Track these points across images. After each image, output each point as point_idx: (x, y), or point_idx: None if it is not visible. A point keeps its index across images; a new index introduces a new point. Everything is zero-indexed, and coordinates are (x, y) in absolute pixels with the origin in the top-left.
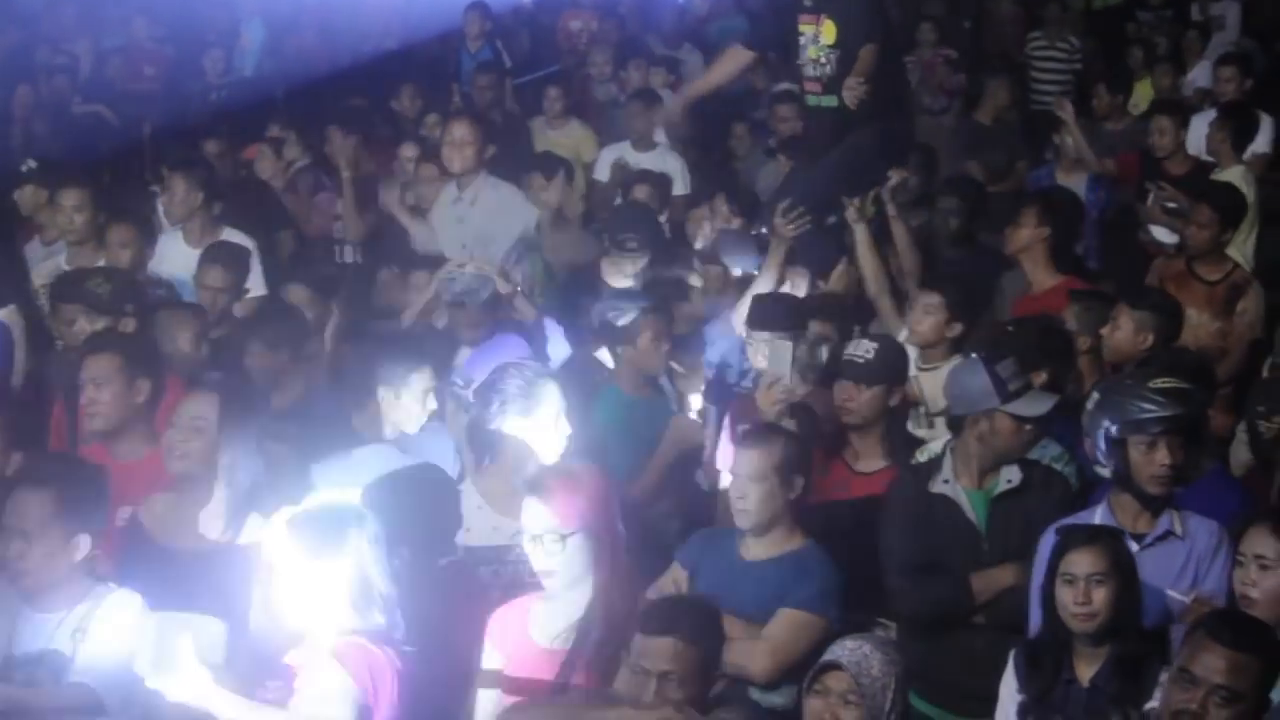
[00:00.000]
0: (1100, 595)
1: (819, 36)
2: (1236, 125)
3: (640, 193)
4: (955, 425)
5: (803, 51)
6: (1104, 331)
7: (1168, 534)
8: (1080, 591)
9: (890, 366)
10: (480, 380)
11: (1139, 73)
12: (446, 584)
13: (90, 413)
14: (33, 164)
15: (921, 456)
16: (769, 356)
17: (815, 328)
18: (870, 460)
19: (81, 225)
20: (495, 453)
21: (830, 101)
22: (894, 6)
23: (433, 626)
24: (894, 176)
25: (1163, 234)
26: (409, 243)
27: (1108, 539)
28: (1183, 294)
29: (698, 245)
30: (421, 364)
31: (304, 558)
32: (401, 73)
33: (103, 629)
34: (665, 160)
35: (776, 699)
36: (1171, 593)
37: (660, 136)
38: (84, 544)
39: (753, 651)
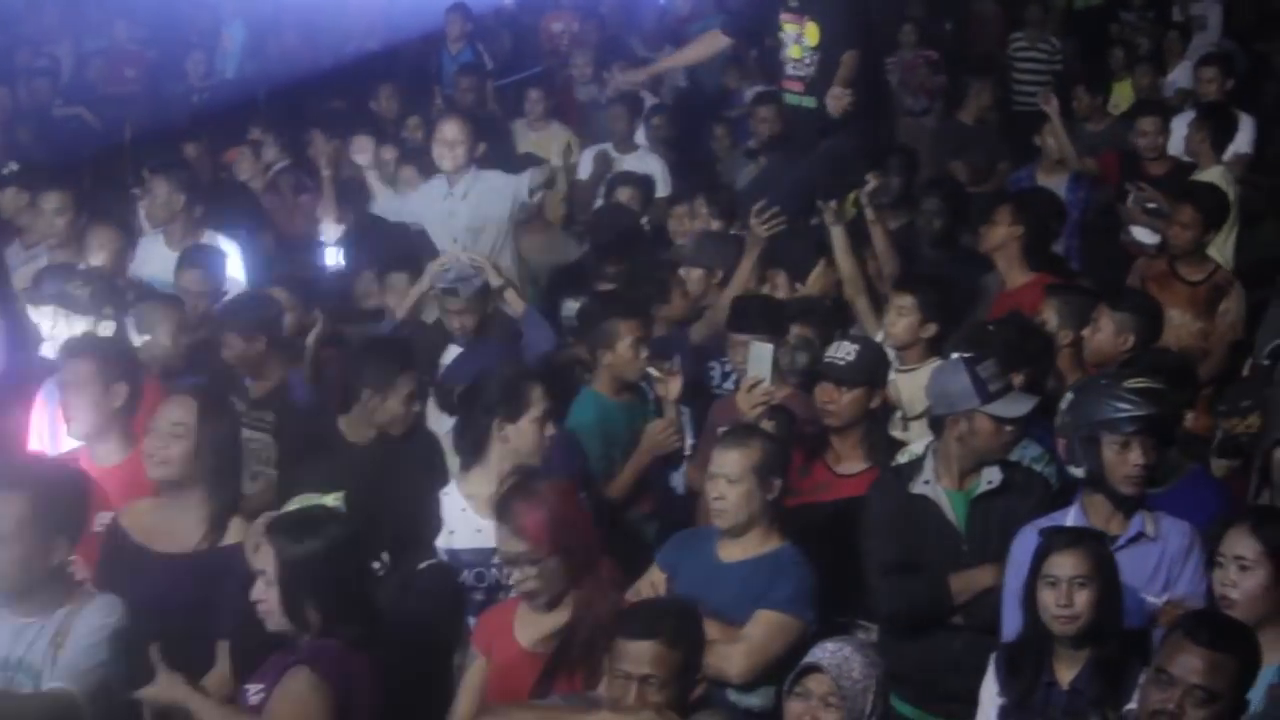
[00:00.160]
0: (1083, 598)
1: (802, 37)
2: (1215, 126)
3: (622, 194)
4: (936, 426)
5: (784, 49)
6: (1085, 333)
7: (1140, 535)
8: (1063, 594)
9: (871, 368)
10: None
11: (1119, 73)
12: (426, 587)
13: (68, 416)
14: (14, 166)
15: (903, 458)
16: (749, 358)
17: (796, 330)
18: (851, 462)
19: (63, 228)
20: (480, 455)
21: (810, 102)
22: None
23: (412, 630)
24: (873, 180)
25: (1144, 234)
26: (391, 244)
27: (1091, 542)
28: (1165, 294)
29: (679, 245)
30: (407, 366)
31: (283, 561)
32: (383, 74)
33: (83, 634)
34: (646, 162)
35: (754, 700)
36: (1145, 595)
37: (641, 138)
38: (61, 548)
39: (730, 653)
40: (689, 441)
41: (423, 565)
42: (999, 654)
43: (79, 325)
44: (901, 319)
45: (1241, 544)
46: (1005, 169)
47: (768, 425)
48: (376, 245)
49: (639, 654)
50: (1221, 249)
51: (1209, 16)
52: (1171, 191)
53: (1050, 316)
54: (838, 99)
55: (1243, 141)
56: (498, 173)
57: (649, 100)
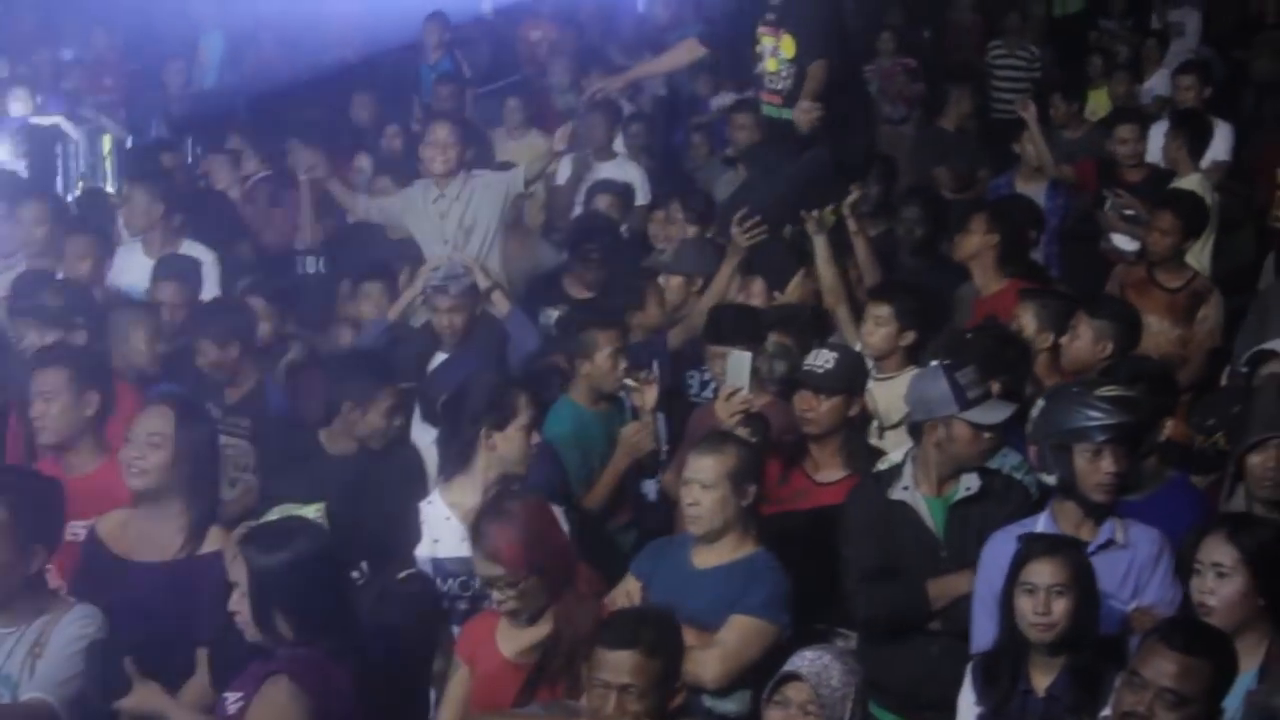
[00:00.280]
0: (1060, 606)
1: (778, 49)
2: (1192, 133)
3: (601, 202)
4: (915, 433)
5: (761, 62)
6: (1063, 340)
7: (1110, 543)
8: (1040, 601)
9: (849, 377)
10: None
11: (1097, 80)
12: (405, 597)
13: (40, 426)
14: None
15: (883, 465)
16: (728, 367)
17: (774, 338)
18: (830, 470)
19: (41, 238)
20: (467, 464)
21: (789, 114)
22: (853, 16)
23: (390, 639)
24: (855, 191)
25: (1123, 241)
26: (370, 252)
27: (1069, 550)
28: (1143, 301)
29: (658, 251)
30: (387, 380)
31: (253, 572)
32: (361, 84)
33: (62, 644)
34: (625, 169)
35: (730, 706)
36: (1114, 602)
37: (620, 146)
38: (39, 556)
39: (704, 658)
40: (664, 448)
41: (402, 575)
42: (975, 663)
43: (51, 336)
44: (879, 328)
45: (1218, 551)
46: (986, 176)
47: (743, 432)
48: (355, 253)
49: (618, 663)
50: (1199, 256)
51: (1187, 24)
52: (1150, 198)
53: (1028, 321)
54: (806, 112)
55: (1220, 149)
56: (489, 171)
57: (627, 108)
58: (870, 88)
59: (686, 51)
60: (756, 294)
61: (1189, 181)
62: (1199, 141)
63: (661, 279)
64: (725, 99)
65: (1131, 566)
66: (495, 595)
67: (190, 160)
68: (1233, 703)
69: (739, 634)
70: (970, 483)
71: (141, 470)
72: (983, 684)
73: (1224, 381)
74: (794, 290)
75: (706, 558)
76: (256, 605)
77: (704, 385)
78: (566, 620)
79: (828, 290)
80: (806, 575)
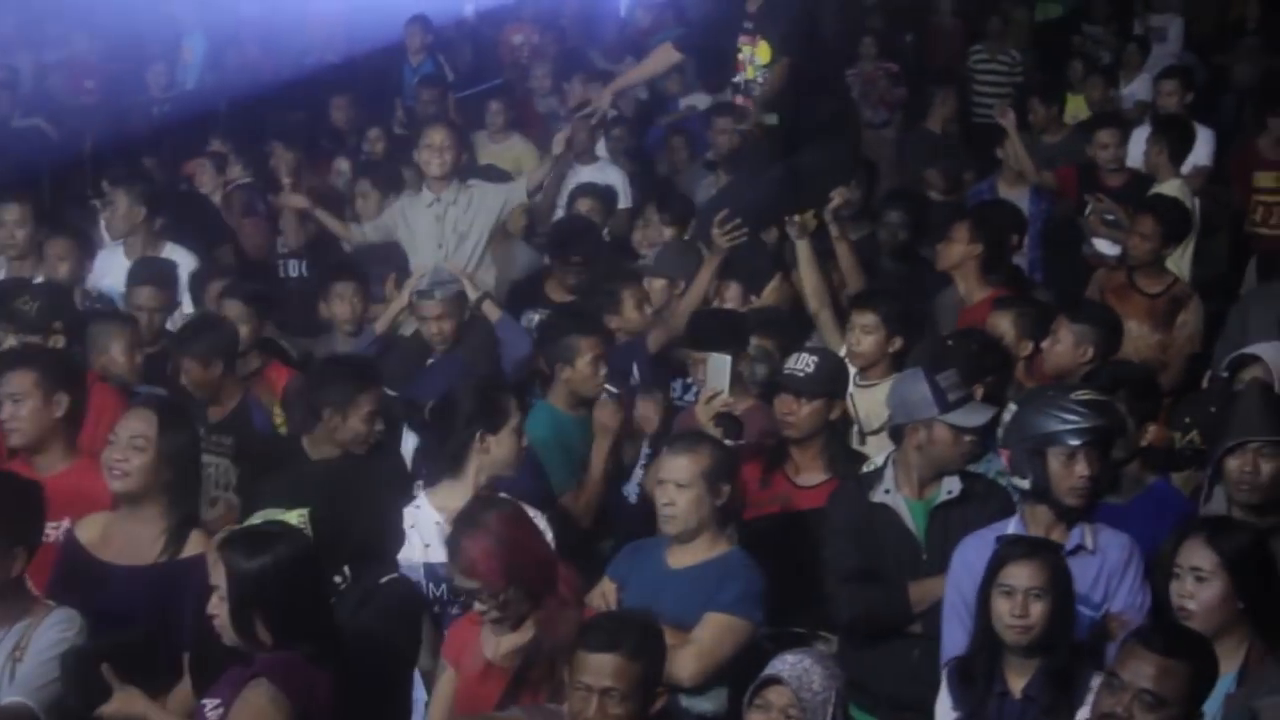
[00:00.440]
0: (1038, 609)
1: (754, 56)
2: (1173, 138)
3: (583, 206)
4: (896, 436)
5: (742, 71)
6: (1044, 345)
7: (1079, 548)
8: (1018, 604)
9: (830, 380)
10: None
11: (1077, 85)
12: (388, 601)
13: (9, 428)
14: None
15: (868, 469)
16: (708, 370)
17: (755, 341)
18: (811, 473)
19: (22, 240)
20: (459, 468)
21: (772, 119)
22: (834, 21)
23: (371, 644)
24: (837, 197)
25: (1105, 246)
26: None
27: (1047, 553)
28: (1123, 306)
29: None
30: (368, 385)
31: (233, 576)
32: (344, 86)
33: (42, 647)
34: (606, 173)
35: (706, 705)
36: (1083, 608)
37: (602, 150)
38: (20, 559)
39: (679, 656)
40: (644, 451)
41: (384, 580)
42: (951, 667)
43: (28, 340)
44: (868, 337)
45: (1197, 555)
46: (971, 179)
47: (716, 432)
48: (338, 257)
49: (600, 666)
50: (1178, 262)
51: (1169, 29)
52: (1130, 203)
53: (1005, 329)
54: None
55: (1202, 154)
56: (486, 183)
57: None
58: (852, 92)
59: (662, 58)
60: (732, 298)
61: (1169, 187)
62: (1181, 147)
63: (645, 281)
64: (696, 99)
65: (1101, 572)
66: (477, 606)
67: (172, 162)
68: (1212, 706)
69: (713, 631)
70: (952, 486)
71: (124, 473)
72: (959, 687)
73: (1204, 387)
74: (770, 294)
75: (681, 558)
76: (236, 609)
77: (686, 389)
78: (548, 626)
79: (810, 294)
80: (787, 578)
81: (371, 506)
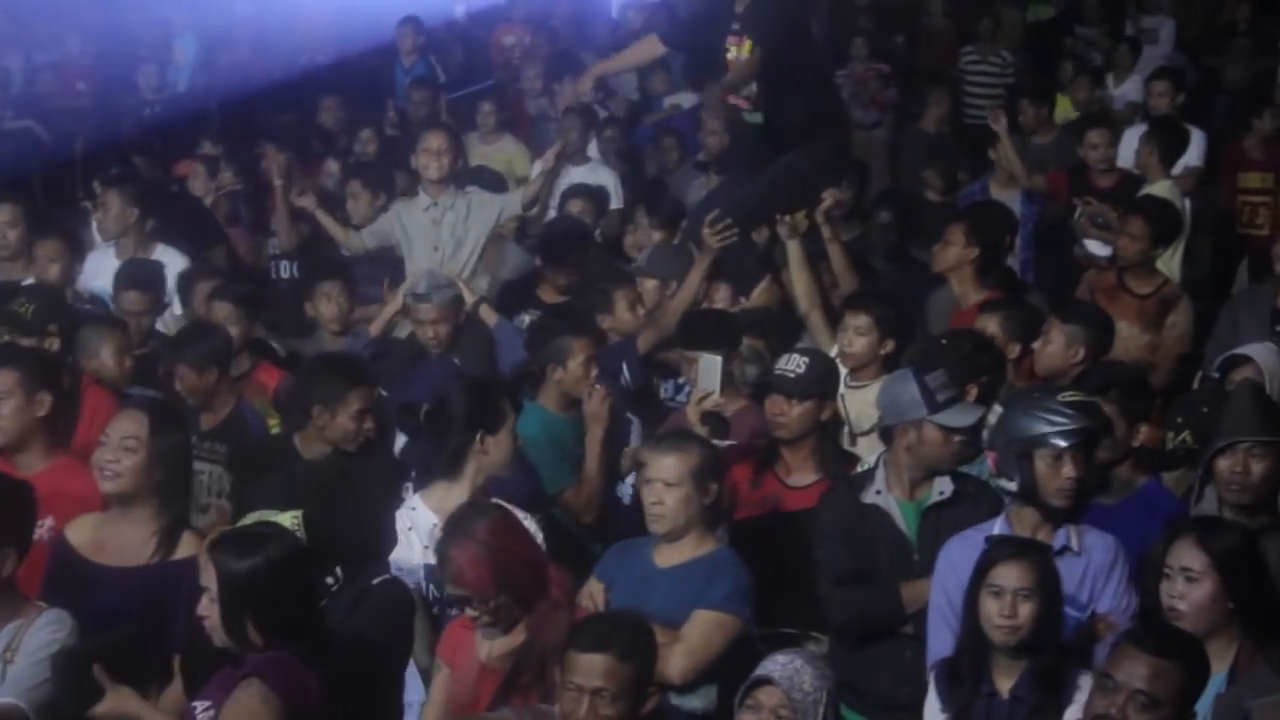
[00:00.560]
0: (1026, 610)
1: (740, 56)
2: (1165, 140)
3: (575, 206)
4: (886, 436)
5: (729, 71)
6: (1036, 345)
7: (1065, 549)
8: (1007, 604)
9: (821, 381)
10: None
11: (1067, 86)
12: (377, 603)
13: None
14: None
15: (861, 469)
16: (699, 371)
17: (747, 342)
18: (802, 474)
19: (14, 241)
20: (458, 470)
21: (756, 118)
22: (826, 22)
23: (362, 645)
24: (829, 197)
25: (1096, 247)
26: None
27: (1036, 554)
28: (1113, 307)
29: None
30: (357, 382)
31: (224, 577)
32: (335, 87)
33: (34, 649)
34: (598, 173)
35: (696, 703)
36: (1069, 609)
37: (593, 151)
38: (10, 559)
39: (669, 654)
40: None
41: (376, 581)
42: (938, 668)
43: (23, 343)
44: (860, 338)
45: (1187, 555)
46: (965, 180)
47: (702, 430)
48: (330, 258)
49: (591, 667)
50: (1168, 263)
51: (1161, 30)
52: (1121, 204)
53: (994, 332)
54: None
55: (1193, 155)
56: (484, 192)
57: (601, 113)
58: (842, 93)
59: (646, 49)
60: (721, 299)
61: (1160, 188)
62: (1173, 149)
63: (637, 282)
64: (682, 98)
65: (1086, 573)
66: (468, 611)
67: (162, 164)
68: (1202, 706)
69: (703, 629)
70: (943, 486)
71: (115, 474)
72: (946, 687)
73: (1195, 388)
74: (760, 295)
75: (669, 557)
76: (226, 611)
77: (677, 389)
78: (539, 630)
79: (802, 295)
80: (778, 579)
81: (363, 507)
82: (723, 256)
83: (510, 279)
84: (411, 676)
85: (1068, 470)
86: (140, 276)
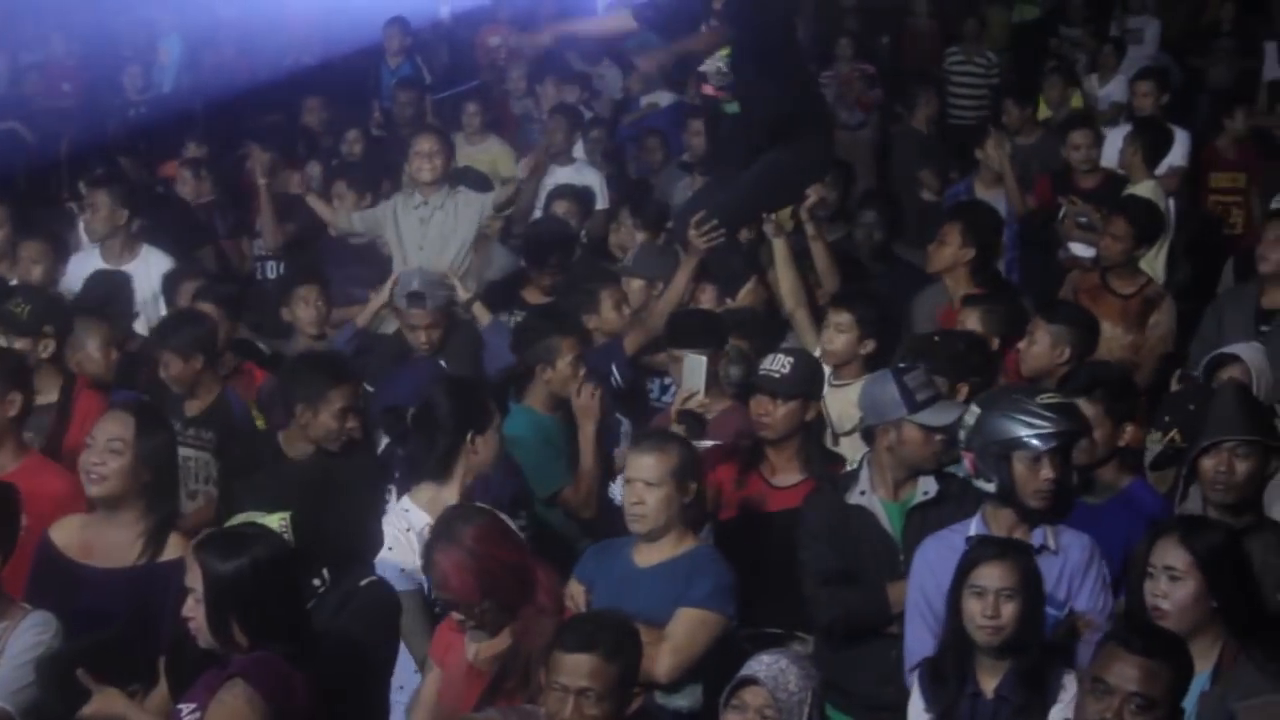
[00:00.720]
0: (1009, 610)
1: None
2: (1149, 140)
3: (560, 207)
4: (868, 437)
5: (705, 62)
6: (1021, 345)
7: (1042, 548)
8: (989, 605)
9: (805, 381)
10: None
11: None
12: (364, 604)
13: None
14: None
15: (851, 469)
16: (684, 371)
17: (732, 342)
18: (787, 474)
19: (0, 241)
20: (449, 471)
21: (734, 107)
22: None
23: (348, 647)
24: (813, 194)
25: (1081, 249)
26: (328, 258)
27: (1018, 554)
28: (1097, 307)
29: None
30: (339, 380)
31: (209, 579)
32: (321, 88)
33: (19, 651)
34: (583, 174)
35: (682, 701)
36: (1046, 608)
37: (579, 151)
38: None
39: (654, 653)
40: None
41: (363, 582)
42: (922, 667)
43: (20, 345)
44: (840, 335)
45: (1171, 554)
46: (956, 178)
47: (678, 429)
48: (316, 258)
49: (576, 667)
50: (1152, 263)
51: (1145, 31)
52: (1104, 204)
53: (973, 326)
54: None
55: (1177, 155)
56: (471, 191)
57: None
58: (828, 93)
59: (619, 21)
60: (707, 300)
61: (1143, 188)
62: (1157, 149)
63: (623, 282)
64: (658, 96)
65: (1064, 572)
66: (455, 614)
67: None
68: (1187, 704)
69: (686, 626)
70: (928, 486)
71: (101, 477)
72: (931, 687)
73: (1173, 386)
74: (746, 296)
75: (649, 556)
76: (211, 612)
77: (664, 389)
78: (525, 635)
79: (787, 293)
80: (763, 578)
81: (349, 508)
82: (709, 257)
83: (495, 279)
84: (406, 660)
85: (1046, 472)
86: (102, 291)
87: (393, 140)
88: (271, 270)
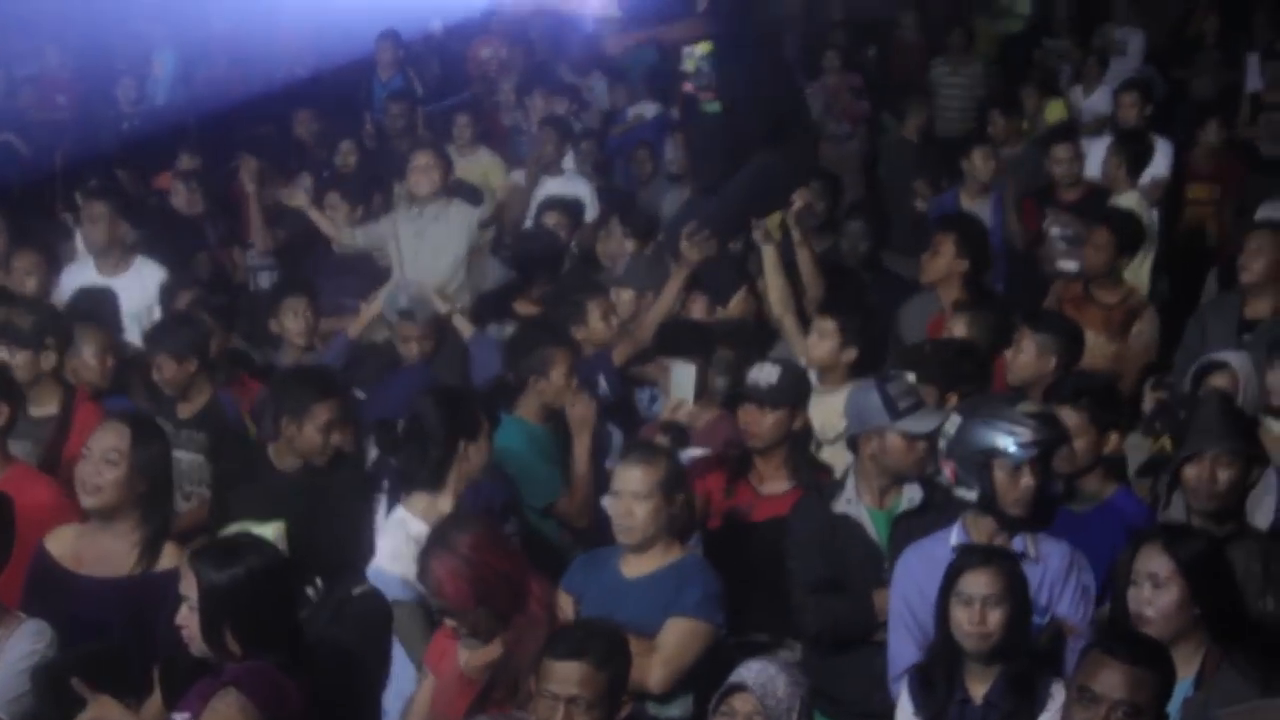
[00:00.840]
0: (995, 617)
1: (694, 50)
2: (1132, 152)
3: (550, 218)
4: (853, 445)
5: (685, 62)
6: (1007, 354)
7: (1022, 556)
8: (976, 612)
9: (793, 390)
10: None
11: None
12: (356, 614)
13: None
14: None
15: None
16: (672, 380)
17: (719, 351)
18: (775, 483)
19: None
20: (442, 480)
21: (715, 107)
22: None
23: (340, 656)
24: (798, 200)
25: (1069, 265)
26: (319, 268)
27: (1003, 561)
28: (1080, 316)
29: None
30: (324, 394)
31: (204, 588)
32: (313, 101)
33: (14, 660)
34: (574, 185)
35: (674, 712)
36: None
37: (569, 163)
38: None
39: (646, 664)
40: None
41: (355, 591)
42: (911, 674)
43: (20, 357)
44: (824, 342)
45: (1154, 561)
46: (946, 186)
47: (661, 439)
48: (309, 266)
49: (566, 675)
50: (1137, 273)
51: (1130, 42)
52: (1088, 216)
53: (960, 333)
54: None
55: (1160, 166)
56: (459, 201)
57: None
58: (815, 105)
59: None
60: (698, 310)
61: (1126, 199)
62: (1139, 161)
63: (613, 293)
64: (644, 108)
65: (1044, 579)
66: (448, 621)
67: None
68: (1172, 710)
69: (677, 636)
70: (913, 494)
71: (96, 488)
72: (920, 694)
73: (1145, 396)
74: (736, 306)
75: (637, 567)
76: (205, 620)
77: (654, 400)
78: (516, 644)
79: (776, 301)
80: (752, 587)
81: (339, 519)
82: (699, 268)
83: (486, 290)
84: (409, 670)
85: (1026, 480)
86: (88, 307)
87: (384, 153)
88: (265, 279)
